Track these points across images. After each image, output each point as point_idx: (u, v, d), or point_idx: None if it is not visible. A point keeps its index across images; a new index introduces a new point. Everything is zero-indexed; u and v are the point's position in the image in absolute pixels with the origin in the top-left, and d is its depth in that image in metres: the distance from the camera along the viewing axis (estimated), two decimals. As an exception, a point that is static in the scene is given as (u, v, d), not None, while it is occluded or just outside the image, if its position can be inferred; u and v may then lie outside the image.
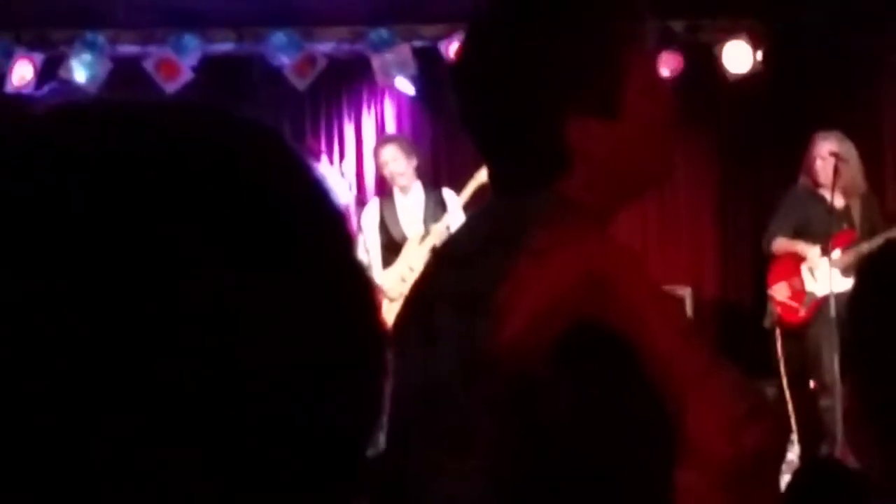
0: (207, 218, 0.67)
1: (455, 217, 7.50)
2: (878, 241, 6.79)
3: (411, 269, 7.40)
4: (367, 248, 7.53)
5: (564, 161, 1.74)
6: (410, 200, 7.67)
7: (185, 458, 0.64)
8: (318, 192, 0.75)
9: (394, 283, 7.41)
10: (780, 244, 7.39)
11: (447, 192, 7.75)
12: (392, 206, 7.69)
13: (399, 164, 7.62)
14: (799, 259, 7.28)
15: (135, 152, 0.68)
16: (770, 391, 7.08)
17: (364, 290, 0.75)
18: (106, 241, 0.64)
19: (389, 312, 7.28)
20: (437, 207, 7.64)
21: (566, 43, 1.73)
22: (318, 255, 0.72)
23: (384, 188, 7.98)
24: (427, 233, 7.54)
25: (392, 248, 7.58)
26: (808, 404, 7.25)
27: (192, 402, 0.64)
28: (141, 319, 0.64)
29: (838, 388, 6.63)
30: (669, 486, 1.55)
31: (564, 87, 1.72)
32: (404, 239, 7.58)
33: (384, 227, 7.62)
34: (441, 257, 1.89)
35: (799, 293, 7.28)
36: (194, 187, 0.68)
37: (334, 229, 0.75)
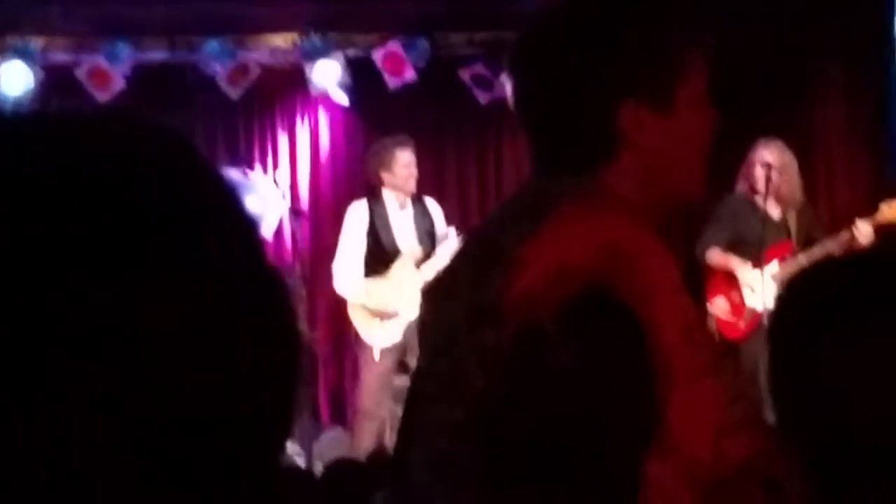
0: (103, 228, 0.67)
1: (442, 228, 7.15)
2: (815, 252, 6.73)
3: (401, 290, 6.87)
4: (349, 251, 7.03)
5: (612, 147, 1.76)
6: (403, 210, 7.17)
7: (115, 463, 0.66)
8: (226, 199, 0.75)
9: (379, 296, 6.98)
10: (714, 256, 7.13)
11: (429, 201, 7.33)
12: (384, 211, 7.11)
13: (412, 169, 7.11)
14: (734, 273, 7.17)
15: (33, 165, 0.69)
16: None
17: (277, 296, 0.75)
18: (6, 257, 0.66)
19: (370, 326, 6.95)
20: (424, 219, 7.19)
21: (633, 31, 1.77)
22: (228, 260, 0.72)
23: (353, 194, 7.59)
24: (425, 255, 7.05)
25: (379, 257, 7.06)
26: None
27: (104, 405, 0.66)
28: (52, 329, 0.65)
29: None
30: (639, 472, 1.56)
31: (624, 72, 1.75)
32: (396, 251, 7.07)
33: (373, 233, 7.07)
34: (474, 231, 1.92)
35: (738, 307, 7.05)
36: (92, 197, 0.68)
37: (244, 236, 0.75)
